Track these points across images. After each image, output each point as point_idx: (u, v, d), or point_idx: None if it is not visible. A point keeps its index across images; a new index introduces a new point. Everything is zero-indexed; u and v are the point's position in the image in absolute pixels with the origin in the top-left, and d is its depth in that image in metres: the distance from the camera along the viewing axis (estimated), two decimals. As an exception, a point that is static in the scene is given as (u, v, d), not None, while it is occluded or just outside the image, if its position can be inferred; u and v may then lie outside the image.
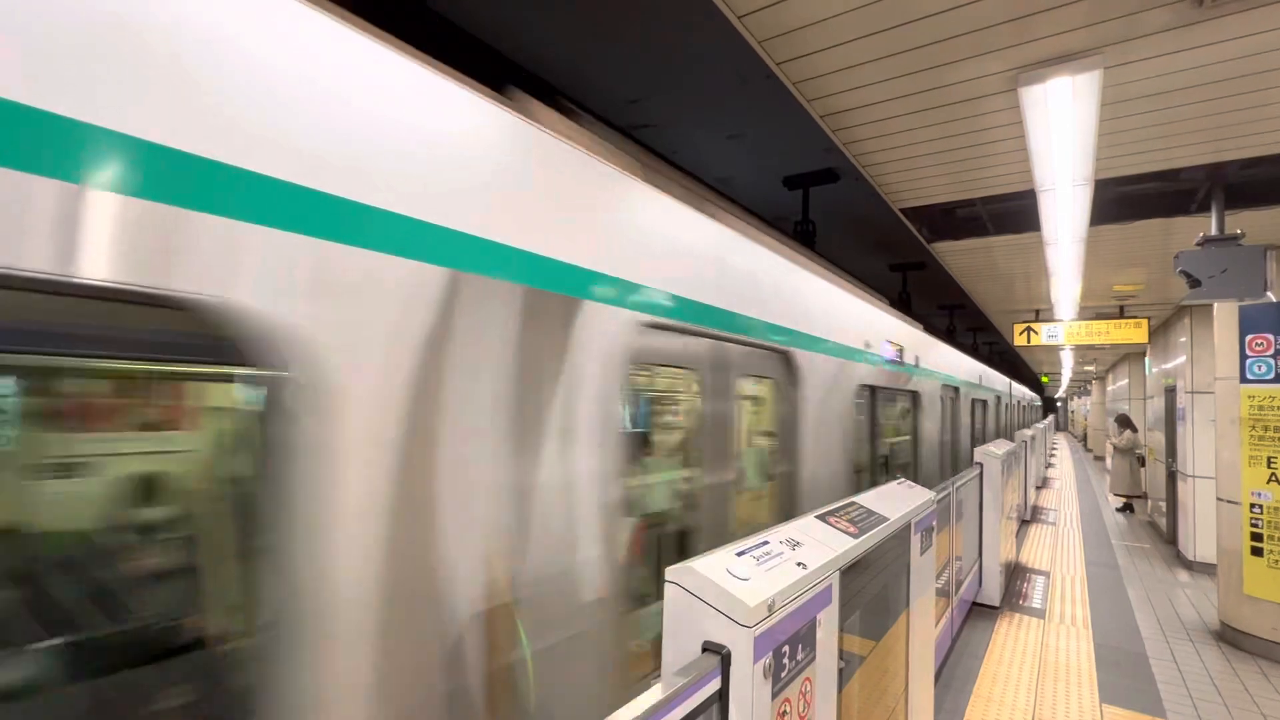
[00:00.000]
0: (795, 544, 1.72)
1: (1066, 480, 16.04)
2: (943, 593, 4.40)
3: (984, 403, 10.51)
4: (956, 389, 7.99)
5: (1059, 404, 48.40)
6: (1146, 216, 4.11)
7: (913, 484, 3.01)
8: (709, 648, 1.32)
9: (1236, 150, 3.11)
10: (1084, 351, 13.22)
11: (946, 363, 7.50)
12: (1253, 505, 4.82)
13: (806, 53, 2.43)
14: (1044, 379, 24.04)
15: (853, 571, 1.89)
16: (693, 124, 6.30)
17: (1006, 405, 14.11)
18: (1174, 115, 2.78)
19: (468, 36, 3.30)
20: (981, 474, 5.69)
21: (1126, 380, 15.43)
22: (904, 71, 2.54)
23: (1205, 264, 3.52)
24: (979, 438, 10.05)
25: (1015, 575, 6.75)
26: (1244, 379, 4.90)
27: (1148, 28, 2.16)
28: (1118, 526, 9.94)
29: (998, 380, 12.20)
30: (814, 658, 1.58)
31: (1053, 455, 22.94)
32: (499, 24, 4.25)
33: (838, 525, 1.98)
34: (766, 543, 1.66)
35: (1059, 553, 7.92)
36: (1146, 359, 11.18)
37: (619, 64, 5.01)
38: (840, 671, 1.83)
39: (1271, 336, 4.77)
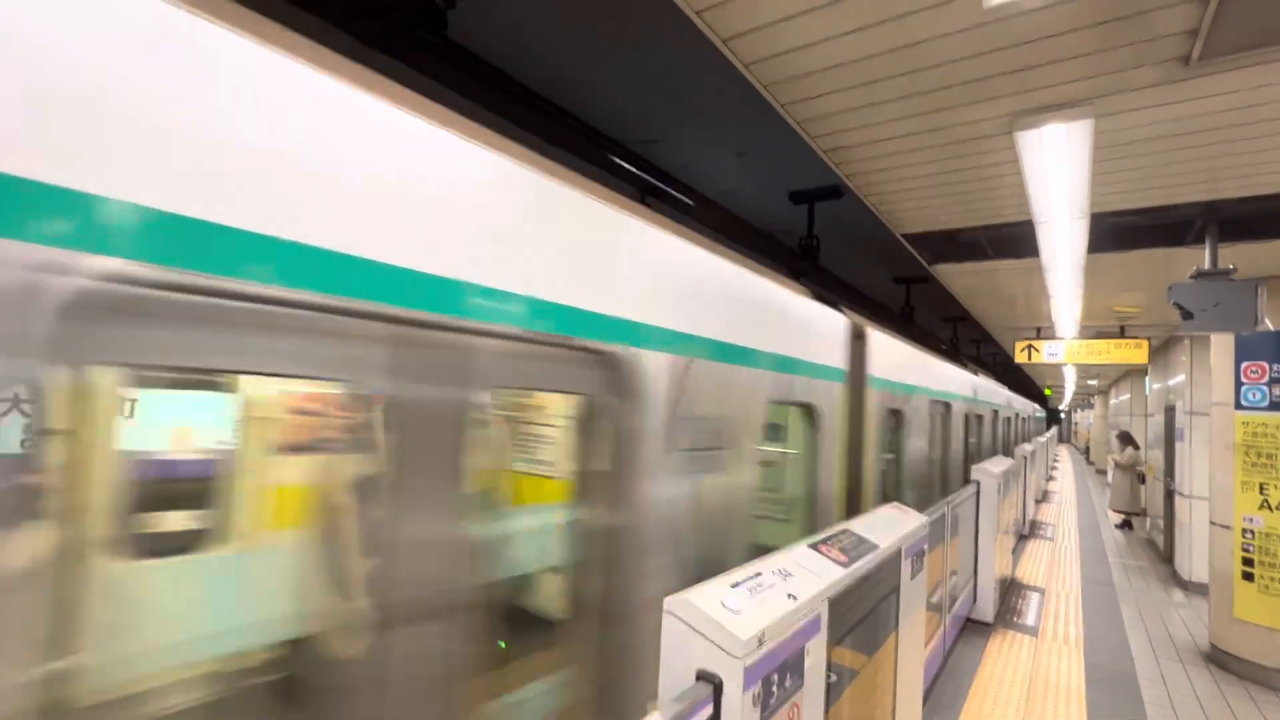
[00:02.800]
0: (787, 574, 1.81)
1: (1067, 494, 16.06)
2: (936, 609, 4.48)
3: (980, 418, 10.37)
4: (948, 405, 7.24)
5: (1062, 416, 48.29)
6: (1143, 247, 4.19)
7: (906, 508, 3.10)
8: (702, 676, 1.42)
9: (1228, 190, 3.20)
10: (1086, 367, 13.26)
11: (931, 374, 6.17)
12: (1244, 530, 4.89)
13: (811, 96, 2.53)
14: (1047, 391, 24.06)
15: (842, 598, 1.99)
16: (699, 140, 6.41)
17: (1006, 419, 14.08)
18: (1166, 159, 2.86)
19: (488, 66, 3.41)
20: (978, 492, 5.77)
21: (1129, 395, 15.46)
22: (905, 114, 2.64)
23: (1198, 297, 3.60)
24: (969, 458, 8.59)
25: (1010, 591, 6.82)
26: (1238, 405, 4.97)
27: (1136, 83, 2.26)
28: (1116, 543, 9.99)
29: (998, 393, 12.15)
30: (802, 684, 1.67)
31: (1055, 468, 22.94)
32: (510, 45, 4.37)
33: (829, 554, 2.08)
34: (760, 574, 1.75)
35: (1055, 569, 7.99)
36: (1147, 378, 11.23)
37: (627, 83, 5.13)
38: (829, 689, 1.94)
39: (1266, 364, 4.84)
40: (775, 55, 2.26)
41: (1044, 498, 14.92)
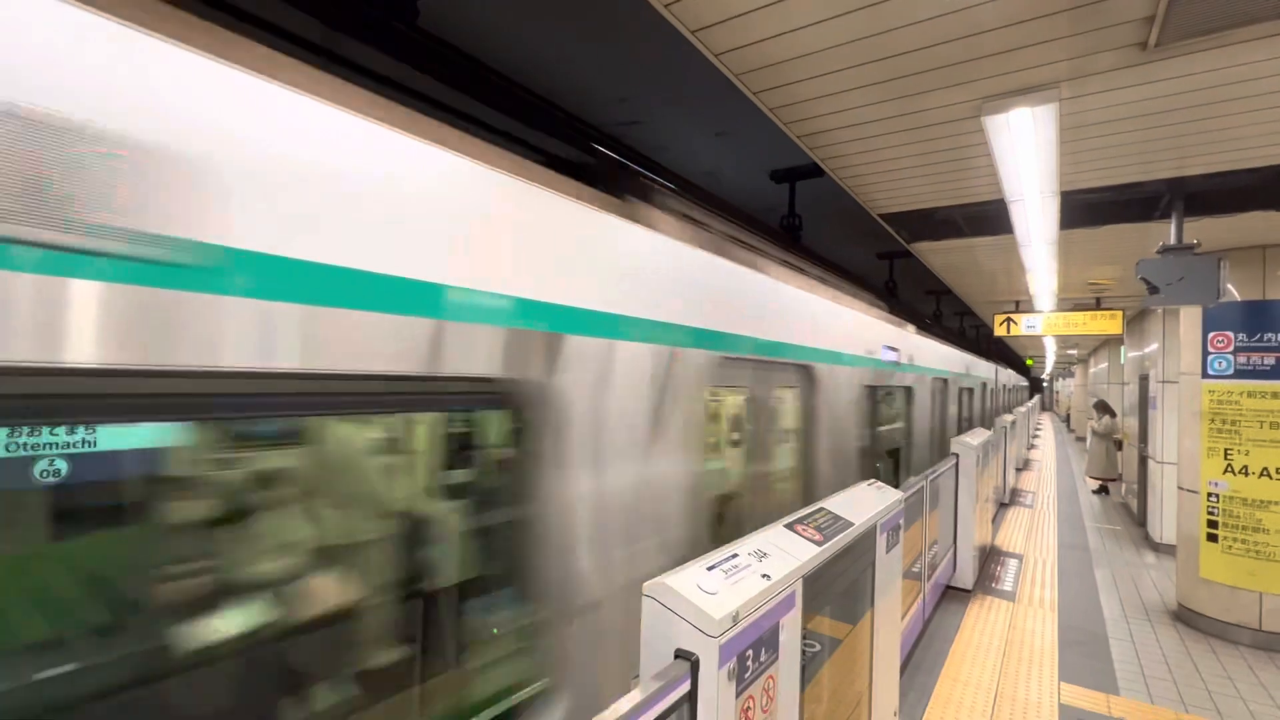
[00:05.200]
0: (762, 555, 1.90)
1: (1048, 461, 16.44)
2: (916, 577, 4.64)
3: (971, 390, 10.89)
4: (945, 380, 8.34)
5: (1044, 384, 49.15)
6: (1112, 222, 4.28)
7: (883, 485, 3.20)
8: (680, 654, 1.51)
9: (1193, 167, 3.27)
10: (1065, 338, 13.48)
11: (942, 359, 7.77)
12: (1210, 494, 5.08)
13: (782, 84, 2.55)
14: (1029, 361, 24.46)
15: (817, 575, 2.08)
16: (680, 121, 6.38)
17: (993, 391, 14.49)
18: (1131, 138, 2.93)
19: (466, 56, 3.38)
20: (957, 464, 5.93)
21: (1106, 364, 15.77)
22: (875, 100, 2.67)
23: (1164, 271, 3.70)
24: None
25: (989, 559, 7.04)
26: (1205, 374, 5.13)
27: (1096, 68, 2.31)
28: (1092, 509, 10.29)
29: (977, 365, 12.41)
30: (777, 658, 1.77)
31: (1037, 435, 23.41)
32: (487, 32, 4.32)
33: (804, 534, 2.17)
34: (736, 555, 1.83)
35: (1034, 536, 8.24)
36: (1122, 347, 11.46)
37: (608, 66, 5.09)
38: (809, 660, 2.04)
39: (1231, 334, 4.99)
40: (744, 45, 2.29)
41: (1025, 466, 15.26)
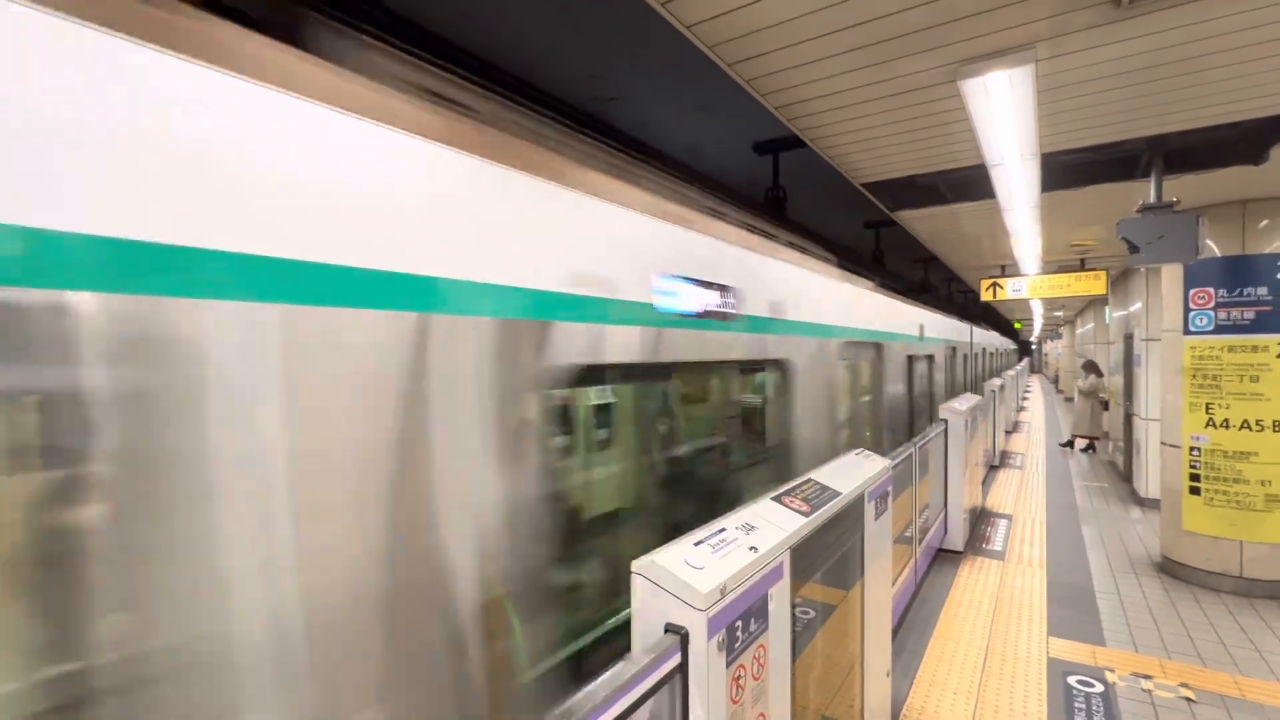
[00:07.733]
0: (750, 528, 1.92)
1: (1037, 423, 16.66)
2: (907, 542, 4.73)
3: (989, 352, 12.39)
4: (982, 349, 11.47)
5: (1033, 347, 49.65)
6: (1093, 183, 4.28)
7: (870, 454, 3.24)
8: (670, 629, 1.53)
9: (1172, 124, 3.27)
10: (1051, 300, 13.57)
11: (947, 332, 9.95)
12: (1192, 448, 5.18)
13: (755, 54, 2.52)
14: (1017, 325, 24.67)
15: (805, 546, 2.11)
16: (658, 96, 6.30)
17: (989, 355, 15.13)
18: (1108, 98, 2.91)
19: (431, 34, 3.31)
20: (946, 429, 6.00)
21: (1093, 325, 15.91)
22: (850, 68, 2.64)
23: (1144, 230, 3.71)
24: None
25: (980, 520, 7.17)
26: (1187, 331, 5.19)
27: (1071, 26, 2.28)
28: (1080, 467, 10.47)
29: (976, 333, 12.70)
30: (766, 628, 1.80)
31: (1026, 398, 23.70)
32: (452, 11, 4.22)
33: (791, 505, 2.20)
34: (724, 530, 1.86)
35: (1022, 496, 8.38)
36: (1107, 307, 11.56)
37: (578, 43, 5.00)
38: (801, 628, 2.09)
39: (1211, 290, 5.04)
40: (716, 16, 2.24)
41: (1015, 428, 15.47)
